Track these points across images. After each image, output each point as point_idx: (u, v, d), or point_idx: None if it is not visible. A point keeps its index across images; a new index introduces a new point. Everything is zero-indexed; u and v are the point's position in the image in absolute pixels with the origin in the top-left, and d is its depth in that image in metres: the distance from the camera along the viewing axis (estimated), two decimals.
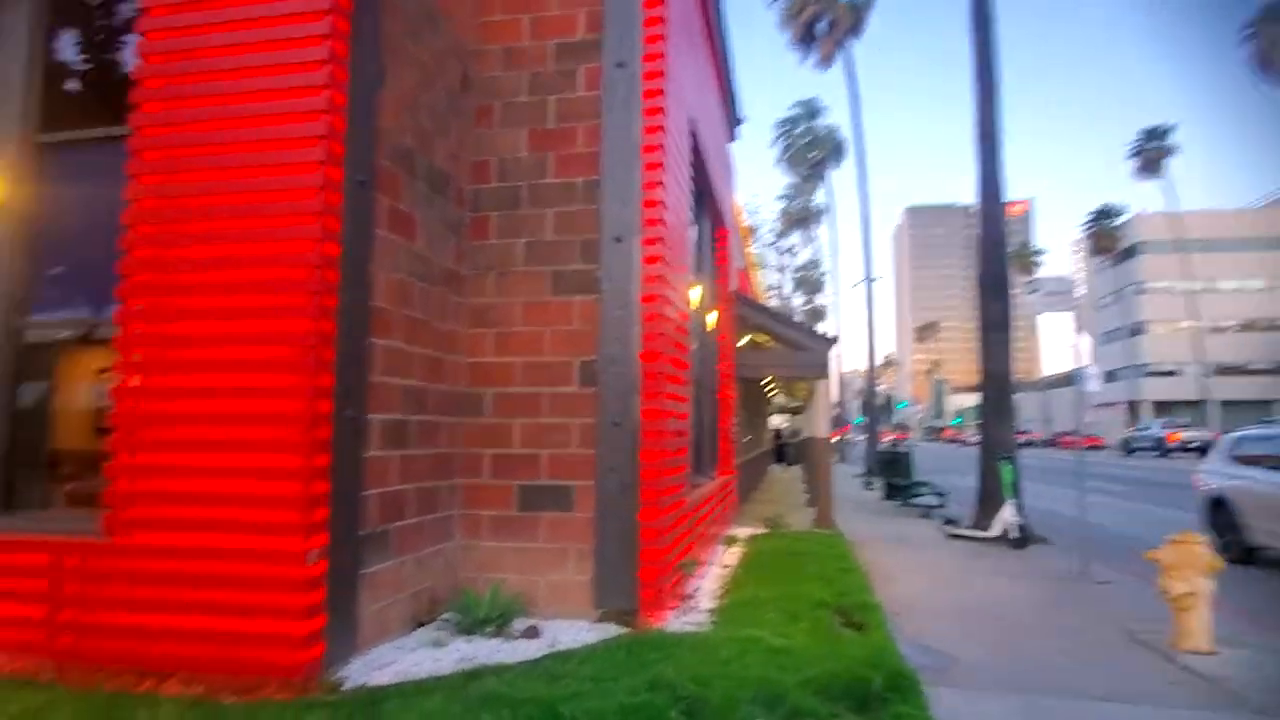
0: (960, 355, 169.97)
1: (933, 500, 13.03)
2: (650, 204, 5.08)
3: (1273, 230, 61.68)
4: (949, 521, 10.26)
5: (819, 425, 10.73)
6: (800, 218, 50.45)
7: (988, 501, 10.39)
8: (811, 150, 43.74)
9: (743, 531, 9.52)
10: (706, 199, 8.77)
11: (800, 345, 10.64)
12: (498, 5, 5.45)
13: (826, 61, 29.87)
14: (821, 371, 10.51)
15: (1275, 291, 60.63)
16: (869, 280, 29.28)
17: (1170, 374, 61.66)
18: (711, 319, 8.87)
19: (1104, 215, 63.98)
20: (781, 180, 51.21)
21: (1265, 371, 59.32)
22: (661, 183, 5.15)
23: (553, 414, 5.02)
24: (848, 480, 22.59)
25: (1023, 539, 9.20)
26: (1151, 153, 55.42)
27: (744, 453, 15.85)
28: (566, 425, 5.00)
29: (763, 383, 19.70)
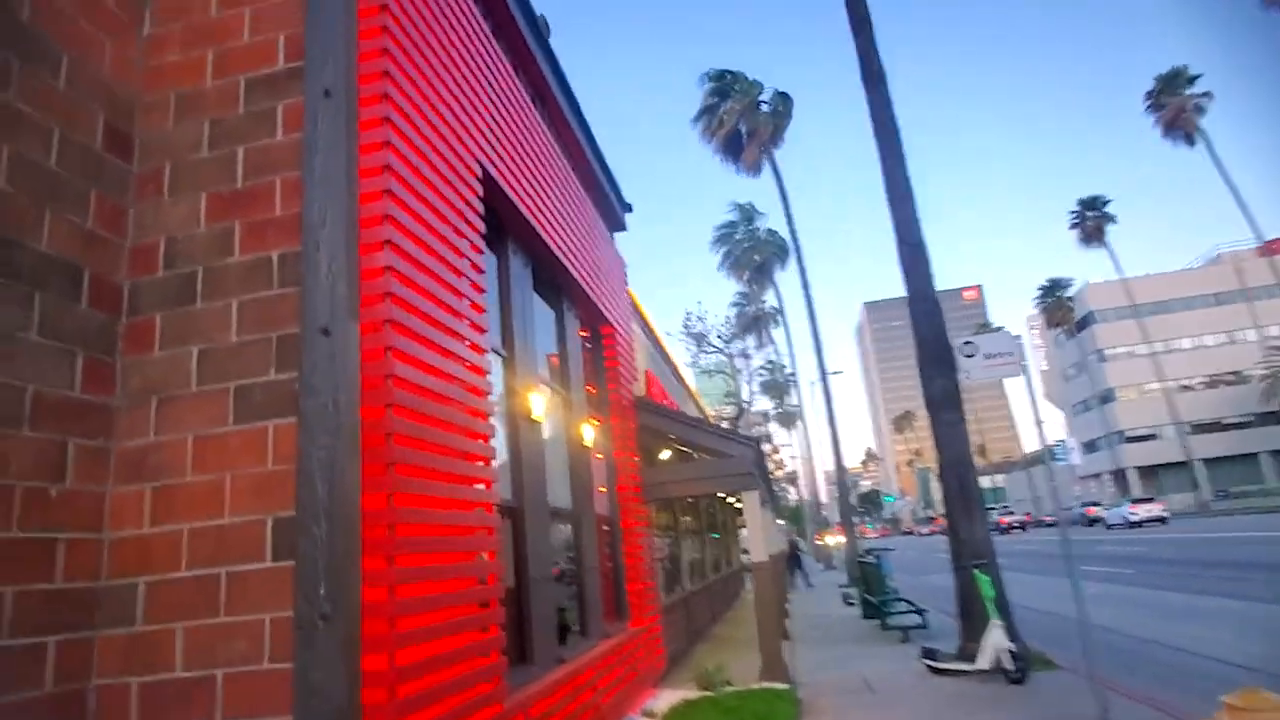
0: None
1: (911, 619, 10.95)
2: (373, 273, 3.49)
3: (1218, 286, 62.92)
4: (929, 653, 8.22)
5: (755, 546, 8.81)
6: (754, 319, 49.96)
7: (971, 618, 8.43)
8: (754, 254, 43.73)
9: (666, 699, 7.39)
10: (567, 290, 7.27)
11: (718, 452, 8.91)
12: (172, 43, 4.03)
13: (753, 169, 29.95)
14: (746, 481, 8.73)
15: (1233, 345, 61.01)
16: (824, 376, 28.01)
17: (1149, 438, 60.78)
18: (588, 434, 7.14)
19: (1054, 288, 64.90)
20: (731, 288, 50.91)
21: (1239, 425, 58.84)
22: (391, 243, 3.57)
23: (236, 609, 3.17)
24: (829, 594, 20.26)
25: (1020, 669, 7.19)
26: (1091, 222, 56.79)
27: (695, 580, 13.69)
28: (255, 624, 3.13)
29: (728, 497, 17.81)
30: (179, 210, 3.75)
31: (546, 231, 6.34)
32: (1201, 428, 58.23)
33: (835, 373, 34.57)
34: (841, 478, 28.06)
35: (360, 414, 3.25)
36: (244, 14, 4.00)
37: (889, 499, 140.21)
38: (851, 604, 15.85)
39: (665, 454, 10.85)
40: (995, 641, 7.37)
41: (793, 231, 28.62)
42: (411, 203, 3.89)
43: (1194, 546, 22.04)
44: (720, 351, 35.74)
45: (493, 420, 4.44)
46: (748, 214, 43.85)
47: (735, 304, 51.47)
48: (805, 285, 27.57)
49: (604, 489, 8.11)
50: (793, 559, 26.28)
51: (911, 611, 11.04)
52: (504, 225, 5.72)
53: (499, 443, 5.20)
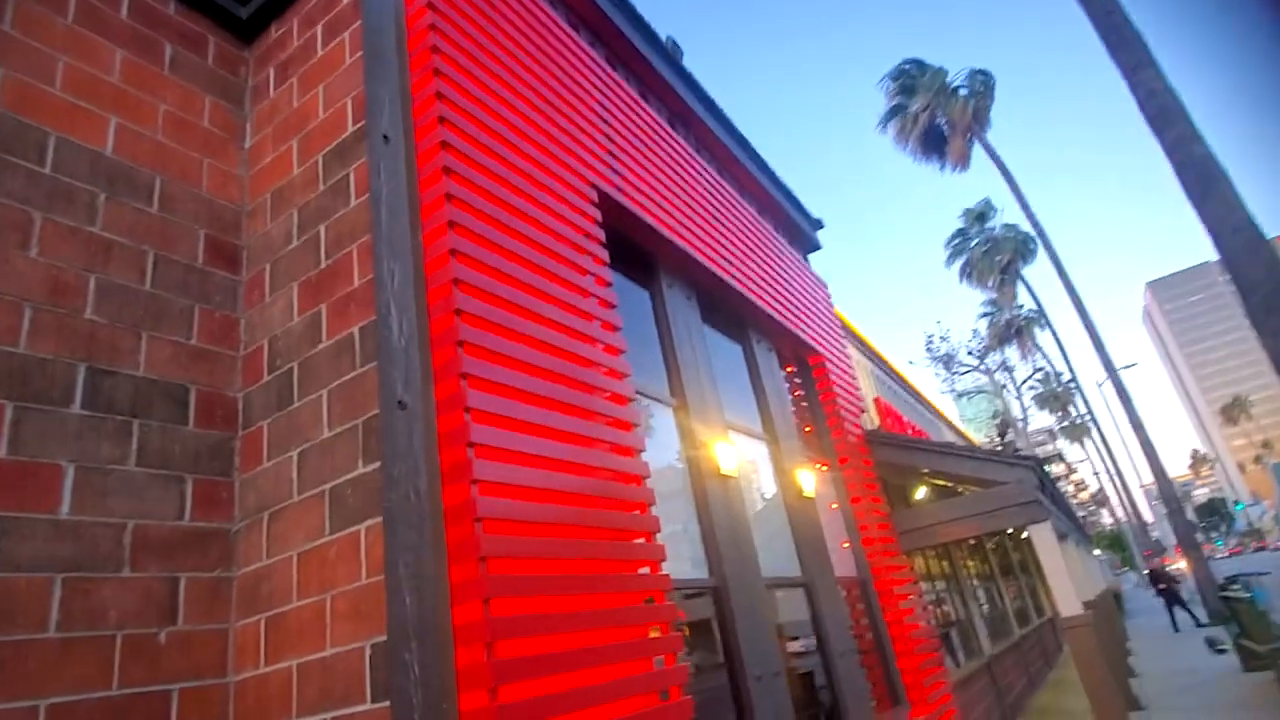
0: None
1: None
2: (444, 323, 2.86)
3: None
4: None
5: (1061, 592, 6.82)
6: (1009, 328, 44.32)
7: None
8: (994, 256, 39.20)
9: None
10: (753, 321, 6.33)
11: (987, 481, 7.16)
12: (267, 146, 3.89)
13: (961, 162, 26.98)
14: (1032, 512, 6.86)
15: None
16: (1112, 372, 23.51)
17: None
18: (807, 482, 5.96)
19: None
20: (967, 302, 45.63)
21: None
22: (463, 282, 2.94)
23: None
24: (1185, 638, 16.08)
25: None
26: None
27: (998, 640, 11.35)
28: None
29: (1009, 532, 15.08)
30: (277, 306, 3.47)
31: (709, 258, 5.50)
32: None
33: (1128, 366, 29.17)
34: (1167, 487, 22.92)
35: (445, 501, 2.56)
36: (318, 92, 3.76)
37: (1239, 506, 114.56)
38: (1223, 651, 12.21)
39: (922, 493, 9.17)
40: None
41: (1032, 218, 24.96)
42: (489, 233, 3.25)
43: None
44: (975, 369, 31.82)
45: (649, 483, 3.56)
46: (978, 215, 39.66)
47: (985, 314, 46.31)
48: (1062, 273, 23.70)
49: (847, 544, 6.80)
50: (1167, 593, 20.08)
51: None
52: (651, 257, 4.99)
53: (681, 510, 4.30)
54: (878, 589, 6.63)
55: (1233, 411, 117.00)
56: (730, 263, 5.92)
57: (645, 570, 3.33)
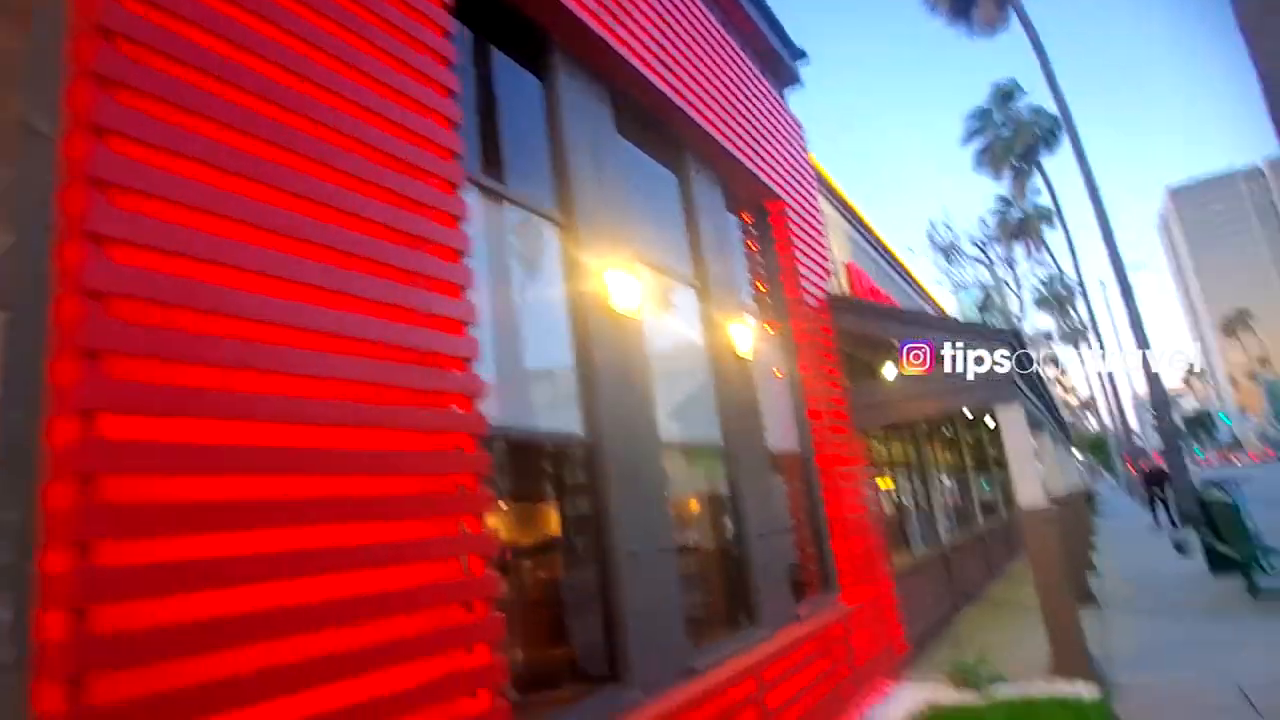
0: None
1: None
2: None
3: None
4: None
5: (1024, 487, 6.12)
6: (1021, 225, 42.48)
7: None
8: (1015, 142, 36.91)
9: (903, 702, 5.24)
10: (691, 144, 5.27)
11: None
12: None
13: (991, 24, 24.60)
14: (1001, 390, 6.05)
15: None
16: (1120, 271, 22.32)
17: None
18: (743, 340, 5.09)
19: None
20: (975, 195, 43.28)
21: None
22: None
23: None
24: (1153, 540, 15.86)
25: None
26: None
27: (960, 531, 10.92)
28: None
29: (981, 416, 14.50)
30: None
31: (635, 54, 4.36)
32: None
33: (1137, 266, 27.97)
34: (1159, 391, 22.26)
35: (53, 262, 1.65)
36: None
37: (1224, 418, 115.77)
38: (1186, 554, 11.85)
39: (893, 373, 8.36)
40: None
41: (1059, 97, 22.94)
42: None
43: None
44: (978, 260, 30.55)
45: (473, 290, 2.66)
46: (1006, 93, 36.96)
47: (997, 210, 44.27)
48: (1081, 157, 22.02)
49: (798, 419, 6.03)
50: (1156, 488, 19.38)
51: None
52: (542, 32, 3.86)
53: (553, 343, 3.45)
54: (820, 465, 5.92)
55: (1234, 325, 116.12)
56: (668, 68, 4.77)
57: (455, 409, 2.48)
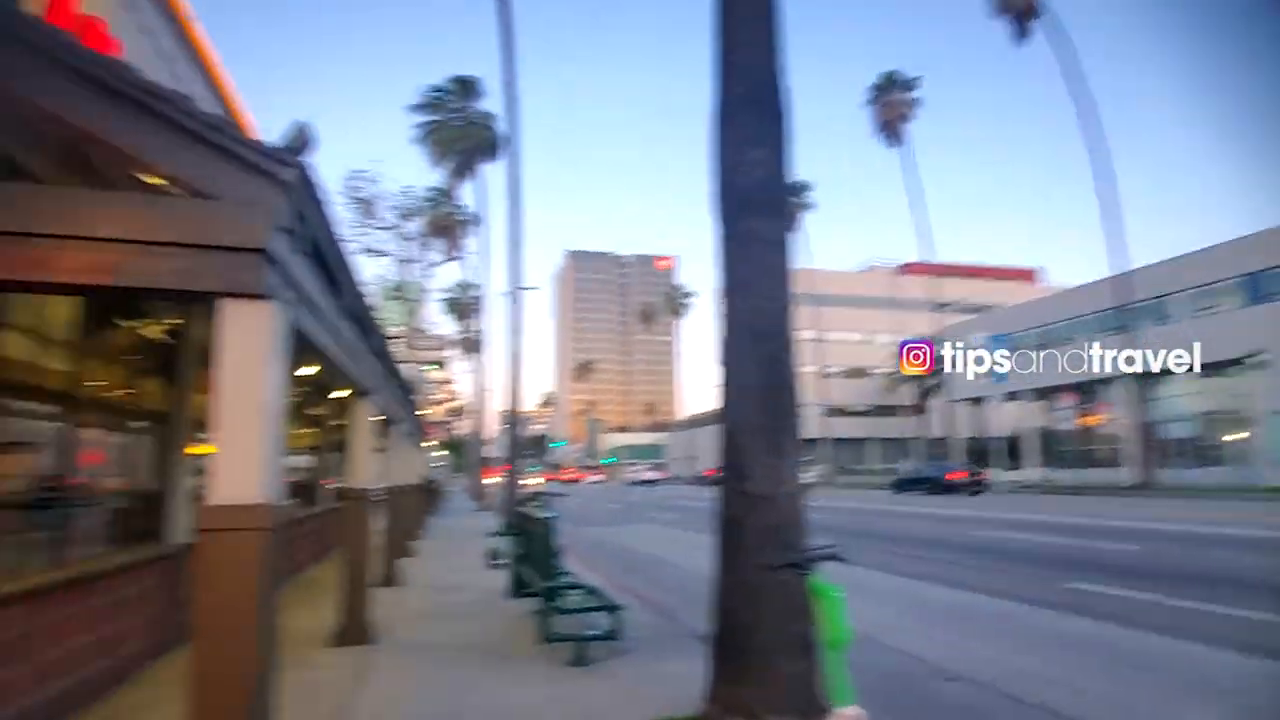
0: (614, 396, 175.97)
1: (596, 623, 6.17)
2: None
3: (867, 290, 71.63)
4: None
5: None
6: (446, 223, 42.48)
7: (741, 643, 3.73)
8: (462, 139, 36.70)
9: None
10: None
11: (187, 181, 2.95)
12: None
13: None
14: (245, 270, 2.93)
15: (867, 345, 69.51)
16: (515, 291, 22.79)
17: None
18: None
19: None
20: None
21: (861, 413, 68.24)
22: None
23: None
24: (475, 545, 15.04)
25: None
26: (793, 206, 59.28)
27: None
28: None
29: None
30: None
31: None
32: (834, 410, 65.21)
33: (530, 288, 29.78)
34: (515, 413, 23.15)
35: None
36: None
37: (557, 444, 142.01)
38: (498, 564, 10.81)
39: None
40: None
41: (515, 110, 22.65)
42: None
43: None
44: (392, 230, 28.47)
45: None
46: (469, 88, 36.56)
47: (430, 200, 43.43)
48: (515, 182, 21.92)
49: None
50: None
51: (597, 607, 6.25)
52: None
53: None
54: None
55: (583, 372, 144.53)
56: None
57: None
